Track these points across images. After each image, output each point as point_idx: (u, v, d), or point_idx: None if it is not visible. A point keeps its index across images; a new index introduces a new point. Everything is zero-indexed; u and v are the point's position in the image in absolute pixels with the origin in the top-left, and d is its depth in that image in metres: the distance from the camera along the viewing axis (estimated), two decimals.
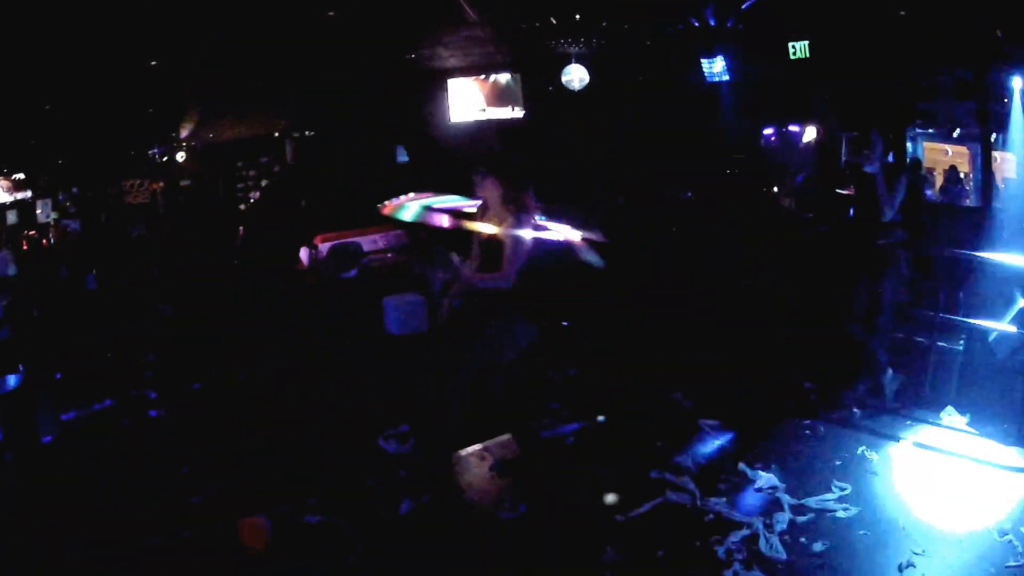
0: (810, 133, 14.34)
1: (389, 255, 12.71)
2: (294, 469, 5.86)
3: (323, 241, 12.90)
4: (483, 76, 14.42)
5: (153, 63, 11.19)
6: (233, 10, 10.12)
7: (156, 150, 15.02)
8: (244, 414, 7.17)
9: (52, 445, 6.39)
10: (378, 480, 5.60)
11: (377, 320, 9.80)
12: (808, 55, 10.63)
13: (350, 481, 5.60)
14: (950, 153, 13.25)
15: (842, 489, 5.09)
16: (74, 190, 14.21)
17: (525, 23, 11.93)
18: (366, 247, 12.92)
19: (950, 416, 6.17)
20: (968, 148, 13.15)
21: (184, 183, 15.77)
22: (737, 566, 4.37)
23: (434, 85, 14.62)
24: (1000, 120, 10.30)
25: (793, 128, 14.60)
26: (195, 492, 5.57)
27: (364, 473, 5.72)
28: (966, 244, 7.66)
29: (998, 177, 11.56)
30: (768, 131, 14.58)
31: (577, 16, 11.77)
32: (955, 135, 12.70)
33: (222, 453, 6.29)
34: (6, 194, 13.35)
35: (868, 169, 6.36)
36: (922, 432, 5.96)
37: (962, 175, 12.75)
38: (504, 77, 14.29)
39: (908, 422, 6.14)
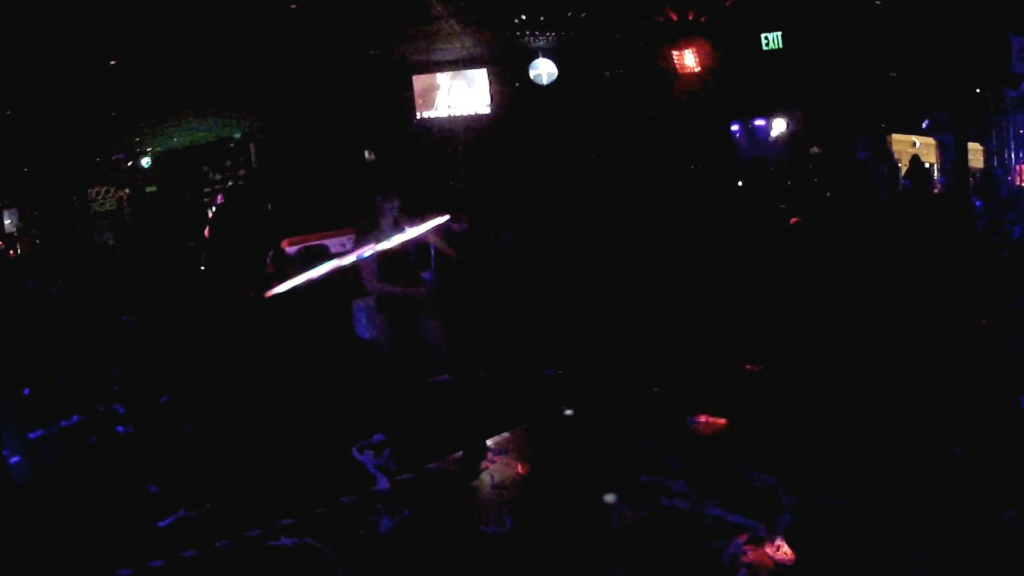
0: (779, 127, 14.31)
1: None
2: (266, 486, 5.64)
3: (290, 244, 12.61)
4: (449, 72, 14.19)
5: (112, 63, 10.85)
6: (192, 8, 9.83)
7: (121, 156, 14.63)
8: (212, 428, 6.95)
9: (18, 466, 6.08)
10: (355, 496, 5.37)
11: (347, 324, 9.55)
12: (781, 46, 10.55)
13: (325, 498, 5.34)
14: (917, 144, 13.26)
15: None
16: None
17: (492, 17, 11.73)
18: (333, 249, 12.62)
19: None
20: (935, 139, 13.17)
21: (150, 189, 15.41)
22: (743, 572, 4.19)
23: (398, 82, 14.36)
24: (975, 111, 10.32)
25: (758, 123, 14.56)
26: (164, 515, 5.31)
27: (339, 488, 5.47)
28: None
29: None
30: (734, 127, 14.53)
31: (544, 12, 11.59)
32: (924, 126, 12.70)
33: (191, 471, 6.06)
34: None
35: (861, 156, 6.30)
36: None
37: (927, 165, 12.80)
38: (470, 72, 14.07)
39: None
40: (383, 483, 5.54)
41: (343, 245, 12.92)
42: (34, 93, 11.18)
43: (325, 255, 12.04)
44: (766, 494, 4.90)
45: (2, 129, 11.76)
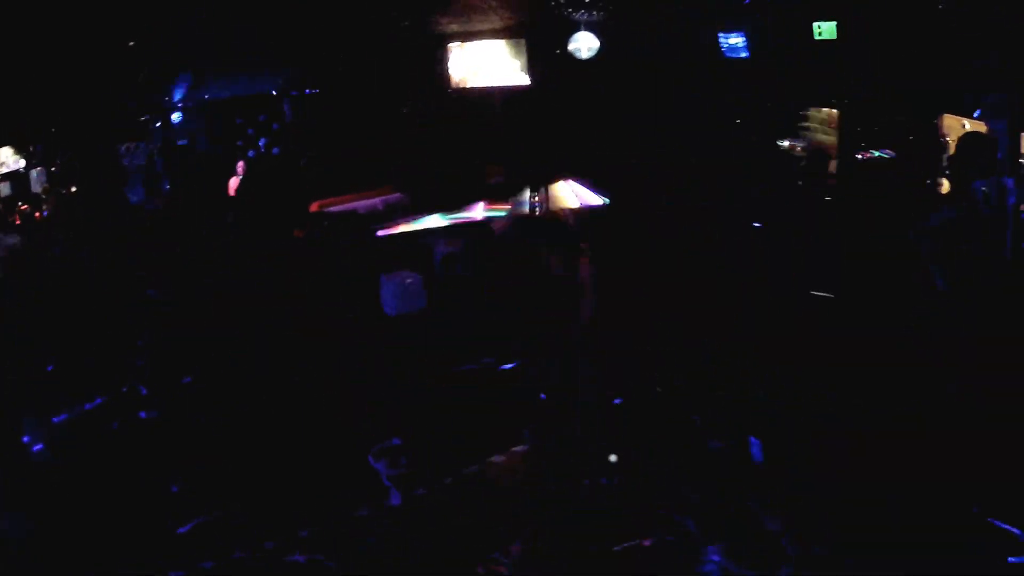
0: None
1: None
2: (285, 489, 5.61)
3: (320, 207, 12.42)
4: (486, 41, 13.89)
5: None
6: None
7: (150, 114, 14.50)
8: (233, 418, 6.82)
9: (41, 455, 6.09)
10: (368, 511, 5.34)
11: (373, 299, 9.40)
12: (835, 36, 10.30)
13: (341, 509, 5.33)
14: (967, 126, 12.93)
15: None
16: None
17: None
18: (362, 212, 12.41)
19: None
20: (987, 125, 12.77)
21: (181, 143, 15.33)
22: None
23: (433, 51, 14.10)
24: None
25: None
26: (184, 519, 5.34)
27: (355, 498, 5.44)
28: None
29: None
30: None
31: None
32: (976, 115, 12.41)
33: (212, 467, 6.03)
34: None
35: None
36: None
37: None
38: (508, 43, 13.78)
39: None
40: (396, 498, 5.51)
41: (375, 207, 12.72)
42: (60, 50, 10.97)
43: (355, 220, 11.85)
44: (773, 540, 4.79)
45: (29, 89, 11.57)
